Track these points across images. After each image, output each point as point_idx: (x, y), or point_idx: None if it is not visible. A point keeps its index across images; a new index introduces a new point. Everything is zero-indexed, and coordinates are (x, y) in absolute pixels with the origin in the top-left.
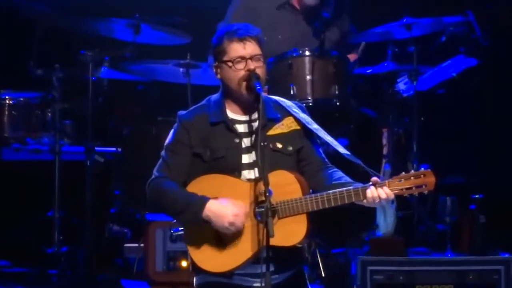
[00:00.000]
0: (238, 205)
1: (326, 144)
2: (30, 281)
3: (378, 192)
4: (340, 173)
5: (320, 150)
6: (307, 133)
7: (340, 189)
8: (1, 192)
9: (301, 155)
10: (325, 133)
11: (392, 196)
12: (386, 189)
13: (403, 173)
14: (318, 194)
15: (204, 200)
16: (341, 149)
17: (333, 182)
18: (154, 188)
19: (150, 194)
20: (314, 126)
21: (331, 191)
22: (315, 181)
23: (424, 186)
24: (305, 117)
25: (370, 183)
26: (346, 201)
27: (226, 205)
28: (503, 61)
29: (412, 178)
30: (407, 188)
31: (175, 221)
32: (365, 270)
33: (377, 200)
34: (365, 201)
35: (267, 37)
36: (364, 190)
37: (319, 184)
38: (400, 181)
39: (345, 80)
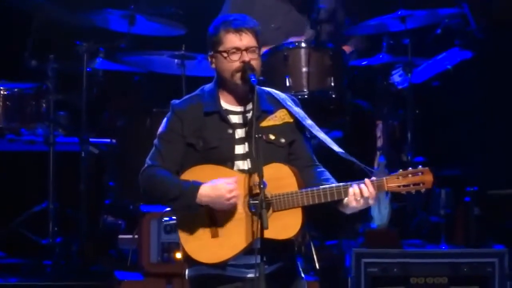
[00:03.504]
0: (229, 180)
1: (319, 140)
2: (24, 272)
3: (367, 188)
4: (328, 174)
5: (311, 147)
6: (300, 128)
7: (337, 184)
8: None
9: (291, 149)
10: (319, 129)
11: (374, 194)
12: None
13: (401, 170)
14: (315, 188)
15: (196, 185)
16: (335, 147)
17: (323, 183)
18: (146, 176)
19: (143, 183)
20: (308, 122)
21: (327, 185)
22: (302, 177)
23: (421, 184)
24: (298, 112)
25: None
26: (343, 196)
27: (219, 185)
28: (498, 53)
29: (410, 175)
30: (404, 186)
31: (168, 210)
32: (360, 262)
33: (367, 194)
34: (353, 199)
35: (261, 26)
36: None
37: (305, 181)
38: (398, 178)
39: (341, 72)
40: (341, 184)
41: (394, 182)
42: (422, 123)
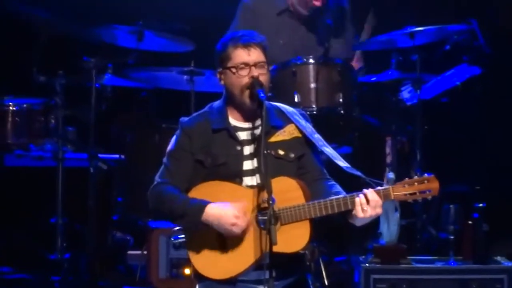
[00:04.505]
0: (239, 207)
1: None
2: (32, 287)
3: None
4: (338, 187)
5: (321, 160)
6: (308, 141)
7: (344, 195)
8: (4, 199)
9: (300, 163)
10: (327, 145)
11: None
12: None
13: (407, 178)
14: (322, 200)
15: (203, 203)
16: (341, 163)
17: (331, 197)
18: (155, 194)
19: (151, 200)
20: (316, 136)
21: (334, 197)
22: (312, 190)
23: (428, 192)
24: (307, 126)
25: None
26: (350, 206)
27: (226, 208)
28: (506, 69)
29: (415, 183)
30: (410, 194)
31: (176, 228)
32: (369, 278)
33: (373, 203)
34: (360, 210)
35: (269, 42)
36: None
37: (316, 194)
38: (404, 186)
39: (350, 88)
40: (347, 195)
41: (400, 190)
42: (431, 139)
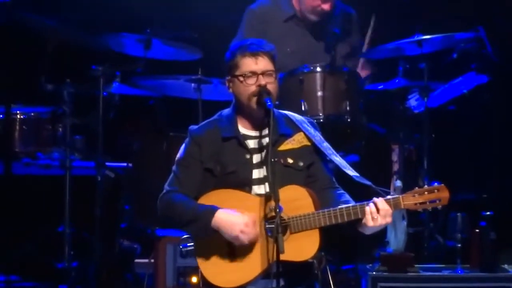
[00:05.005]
0: (249, 215)
1: (335, 163)
2: None
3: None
4: (347, 196)
5: (330, 169)
6: (317, 150)
7: (353, 204)
8: (11, 207)
9: (309, 171)
10: (335, 153)
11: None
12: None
13: (417, 188)
14: (331, 209)
15: (213, 209)
16: (351, 172)
17: (341, 206)
18: (164, 202)
19: (160, 208)
20: (324, 145)
21: (344, 206)
22: (321, 199)
23: (438, 201)
24: (315, 134)
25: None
26: (359, 215)
27: (236, 215)
28: None
29: (426, 193)
30: (421, 203)
31: (185, 235)
32: (376, 287)
33: (383, 212)
34: (370, 219)
35: (276, 50)
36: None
37: (325, 203)
38: (414, 196)
39: (357, 96)
40: (357, 204)
41: (410, 199)
42: (438, 148)
